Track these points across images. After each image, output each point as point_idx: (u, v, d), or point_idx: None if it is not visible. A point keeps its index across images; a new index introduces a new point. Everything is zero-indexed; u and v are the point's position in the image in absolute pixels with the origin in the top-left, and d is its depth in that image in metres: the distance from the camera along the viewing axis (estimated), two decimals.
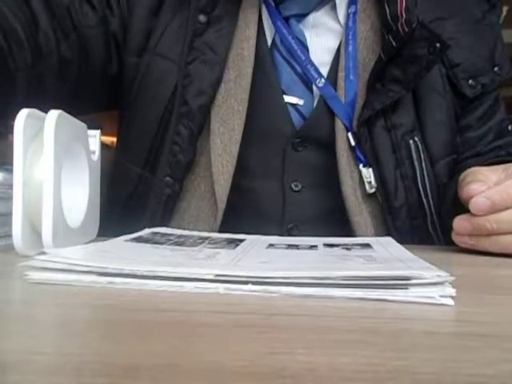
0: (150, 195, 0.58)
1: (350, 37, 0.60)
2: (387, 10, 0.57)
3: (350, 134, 0.58)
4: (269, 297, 0.27)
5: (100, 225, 0.49)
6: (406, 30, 0.54)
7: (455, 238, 0.47)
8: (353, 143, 0.58)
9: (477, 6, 0.66)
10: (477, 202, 0.43)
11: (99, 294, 0.27)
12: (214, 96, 0.57)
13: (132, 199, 0.61)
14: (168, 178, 0.57)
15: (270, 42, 0.61)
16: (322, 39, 0.62)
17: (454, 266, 0.40)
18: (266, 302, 0.26)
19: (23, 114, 0.37)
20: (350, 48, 0.59)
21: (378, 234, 0.57)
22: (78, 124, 0.44)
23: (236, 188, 0.58)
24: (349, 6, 0.61)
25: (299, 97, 0.60)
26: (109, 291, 0.27)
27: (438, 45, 0.55)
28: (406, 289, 0.27)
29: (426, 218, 0.59)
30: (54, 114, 0.37)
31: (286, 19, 0.61)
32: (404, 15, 0.55)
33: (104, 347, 0.19)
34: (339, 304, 0.26)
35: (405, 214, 0.58)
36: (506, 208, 0.43)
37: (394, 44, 0.55)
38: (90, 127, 0.46)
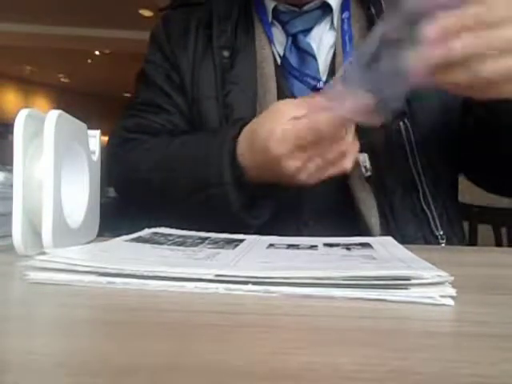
0: None
1: (347, 39, 0.65)
2: (373, 10, 0.63)
3: None
4: (269, 297, 0.27)
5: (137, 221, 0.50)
6: None
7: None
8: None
9: None
10: (428, 28, 0.41)
11: (99, 294, 0.27)
12: (252, 116, 0.65)
13: None
14: None
15: (279, 59, 0.67)
16: (324, 47, 0.67)
17: (453, 266, 0.40)
18: (266, 302, 0.26)
19: (23, 114, 0.37)
20: (348, 48, 0.64)
21: (378, 213, 0.61)
22: (78, 124, 0.44)
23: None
24: (342, 12, 0.67)
25: None
26: (109, 291, 0.27)
27: None
28: (406, 289, 0.27)
29: (418, 194, 0.62)
30: (54, 114, 0.37)
31: (294, 36, 0.67)
32: None
33: (104, 347, 0.19)
34: (339, 304, 0.26)
35: (400, 193, 0.62)
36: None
37: None
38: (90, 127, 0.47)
